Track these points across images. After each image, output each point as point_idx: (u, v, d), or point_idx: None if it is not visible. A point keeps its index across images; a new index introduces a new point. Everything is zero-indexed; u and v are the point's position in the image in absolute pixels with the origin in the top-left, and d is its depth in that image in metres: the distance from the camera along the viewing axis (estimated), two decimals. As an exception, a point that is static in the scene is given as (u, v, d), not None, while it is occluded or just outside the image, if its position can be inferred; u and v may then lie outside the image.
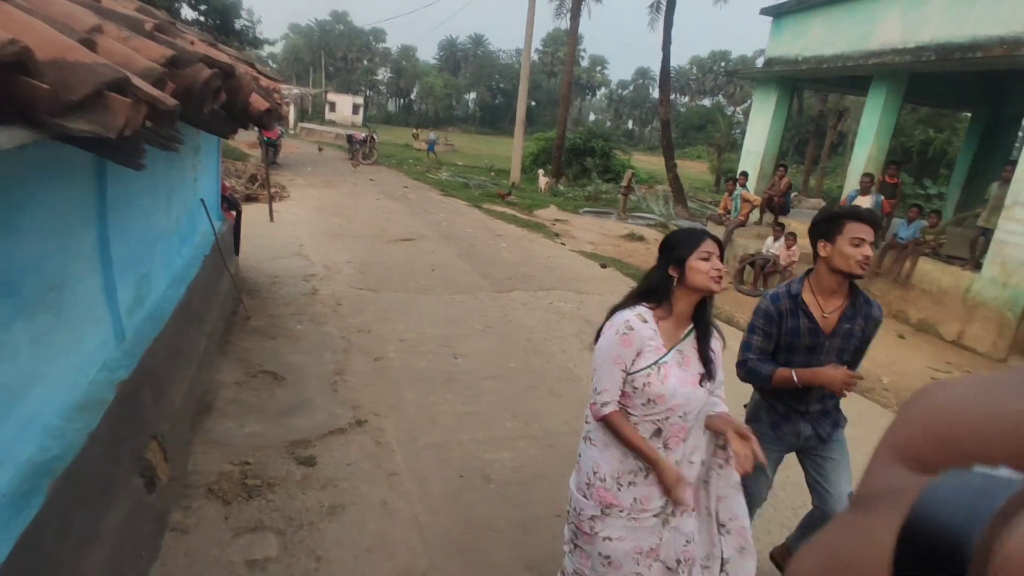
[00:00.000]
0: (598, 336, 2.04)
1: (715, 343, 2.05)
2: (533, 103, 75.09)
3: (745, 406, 2.64)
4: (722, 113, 44.88)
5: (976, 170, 12.03)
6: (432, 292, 6.87)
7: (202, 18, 17.20)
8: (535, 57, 73.60)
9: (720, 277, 1.95)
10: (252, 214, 9.47)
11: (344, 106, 50.67)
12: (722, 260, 2.00)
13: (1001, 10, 7.26)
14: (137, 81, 0.99)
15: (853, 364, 2.36)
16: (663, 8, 16.12)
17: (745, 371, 2.37)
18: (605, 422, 1.97)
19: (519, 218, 12.72)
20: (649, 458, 1.94)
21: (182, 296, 3.88)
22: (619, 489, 1.99)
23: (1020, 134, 12.80)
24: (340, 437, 3.72)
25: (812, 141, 28.18)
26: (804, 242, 9.11)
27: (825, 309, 2.28)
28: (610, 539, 2.00)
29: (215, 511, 2.88)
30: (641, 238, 11.52)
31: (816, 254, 2.29)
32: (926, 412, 0.23)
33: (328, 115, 48.18)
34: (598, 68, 78.36)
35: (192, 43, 1.66)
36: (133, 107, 0.93)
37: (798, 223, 10.03)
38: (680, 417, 1.95)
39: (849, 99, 24.62)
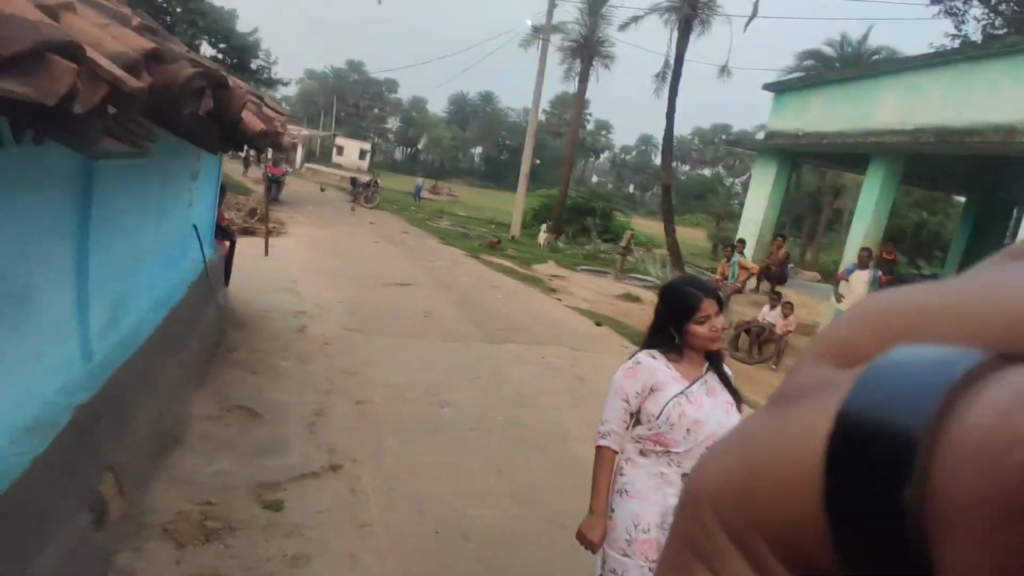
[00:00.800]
0: None
1: (730, 376, 2.07)
2: (538, 161, 76.34)
3: None
4: (721, 183, 45.86)
5: (971, 253, 12.15)
6: (423, 338, 6.71)
7: (220, 56, 17.64)
8: (542, 117, 75.64)
9: (718, 336, 1.97)
10: (248, 247, 9.40)
11: (351, 151, 51.61)
12: (721, 309, 1.98)
13: (999, 98, 7.46)
14: (98, 58, 0.89)
15: None
16: (668, 78, 16.64)
17: None
18: (596, 451, 2.04)
19: (516, 271, 12.69)
20: (596, 503, 2.00)
21: (161, 322, 3.74)
22: (664, 532, 1.93)
23: (1012, 221, 13.03)
24: (313, 482, 3.51)
25: (809, 217, 28.68)
26: (801, 312, 9.07)
27: None
28: None
29: (167, 554, 2.65)
30: (637, 299, 11.46)
31: None
32: (869, 309, 0.19)
33: (335, 158, 49.01)
34: (603, 132, 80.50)
35: (187, 51, 1.59)
36: (89, 83, 0.84)
37: (794, 293, 10.03)
38: None
39: (846, 177, 25.18)
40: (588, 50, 21.61)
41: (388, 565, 2.88)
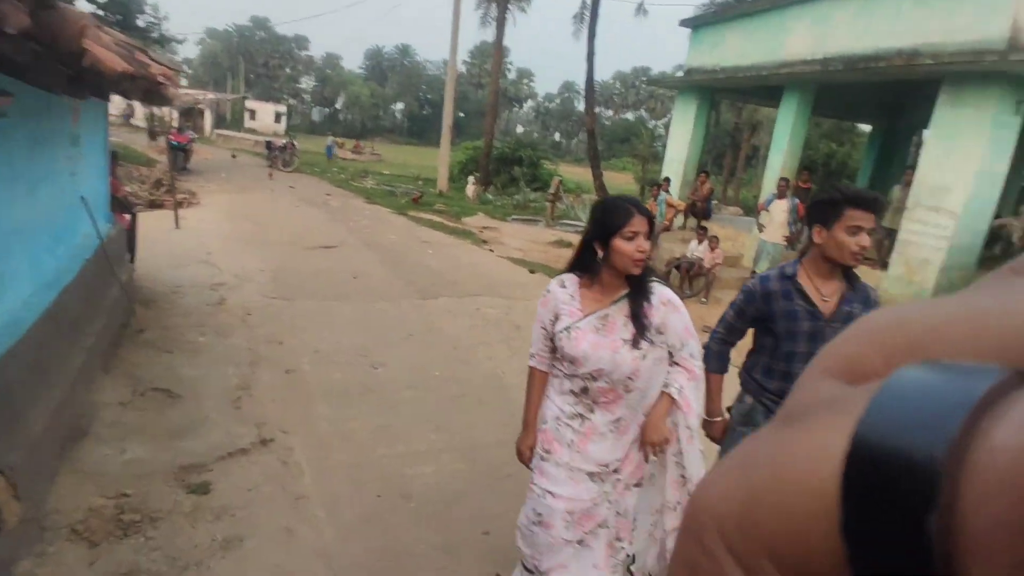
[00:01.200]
0: None
1: (656, 307, 1.94)
2: (461, 114, 74.83)
3: (729, 409, 2.42)
4: (644, 126, 46.33)
5: (877, 177, 12.79)
6: (352, 300, 6.47)
7: (102, 12, 15.99)
8: (463, 69, 73.54)
9: (642, 260, 1.86)
10: (156, 221, 8.75)
11: (265, 114, 48.80)
12: (651, 235, 1.89)
13: (899, 24, 7.69)
14: None
15: None
16: (587, 19, 16.36)
17: (705, 345, 2.24)
18: (528, 371, 2.14)
19: (446, 225, 12.44)
20: (526, 416, 2.13)
21: (51, 304, 3.37)
22: (558, 428, 2.02)
23: (911, 147, 13.74)
24: (241, 459, 3.31)
25: (728, 153, 29.48)
26: (727, 245, 9.33)
27: (824, 293, 2.13)
28: (548, 493, 2.01)
29: (77, 556, 2.43)
30: (569, 244, 11.48)
31: (811, 238, 2.15)
32: (875, 324, 0.19)
33: (248, 123, 46.20)
34: (525, 81, 79.28)
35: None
36: None
37: (719, 227, 10.30)
38: (607, 382, 1.92)
39: (762, 113, 25.88)
40: (503, -7, 20.92)
41: (327, 535, 2.77)
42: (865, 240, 2.01)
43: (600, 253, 1.90)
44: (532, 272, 8.68)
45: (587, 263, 1.96)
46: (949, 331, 0.16)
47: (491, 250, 10.28)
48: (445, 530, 2.93)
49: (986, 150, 6.77)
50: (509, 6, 21.32)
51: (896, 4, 7.77)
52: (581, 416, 2.00)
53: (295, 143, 21.96)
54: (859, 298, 2.14)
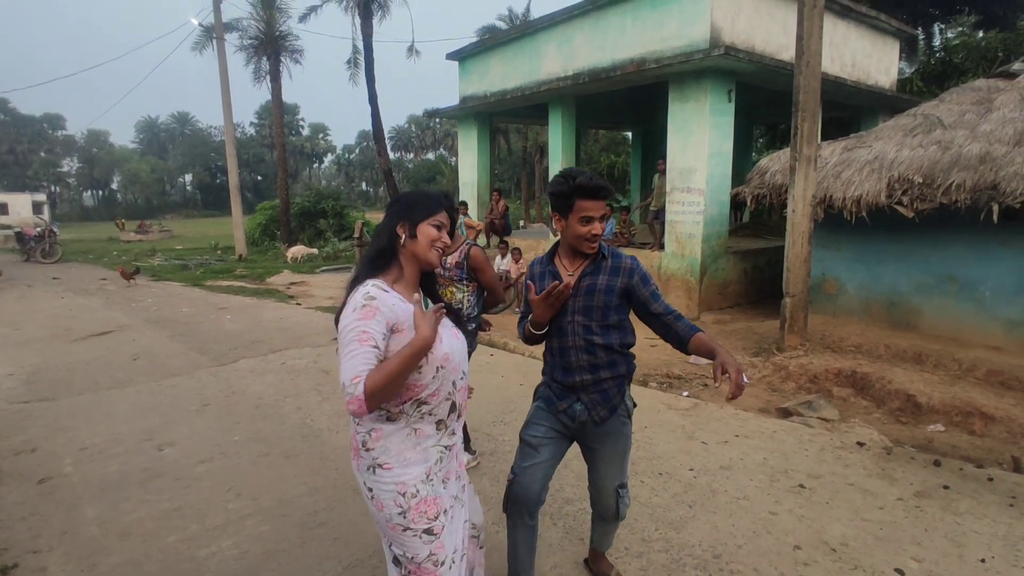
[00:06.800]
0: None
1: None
2: (259, 177, 71.21)
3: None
4: (445, 163, 47.74)
5: (646, 176, 14.36)
6: (133, 384, 5.69)
7: None
8: (252, 131, 70.18)
9: (443, 252, 1.79)
10: None
11: (20, 206, 42.07)
12: (452, 236, 1.84)
13: (627, 38, 8.76)
14: None
15: (617, 318, 2.26)
16: (361, 64, 16.50)
17: (518, 324, 2.42)
18: (371, 396, 1.50)
19: (247, 288, 11.61)
20: (411, 357, 1.55)
21: None
22: (433, 483, 1.73)
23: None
24: (-31, 601, 2.68)
25: (523, 176, 31.36)
26: (531, 255, 9.81)
27: (570, 269, 2.25)
28: (454, 551, 1.77)
29: None
30: (383, 283, 11.31)
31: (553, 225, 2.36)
32: None
33: (-1, 219, 39.45)
34: (320, 135, 77.74)
35: None
36: None
37: (521, 240, 10.81)
38: (461, 378, 1.79)
39: (545, 137, 27.99)
40: (272, 46, 20.35)
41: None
42: (597, 228, 2.13)
43: (402, 238, 1.74)
44: (343, 316, 8.37)
45: (383, 261, 1.75)
46: None
47: (298, 304, 9.75)
48: (248, 602, 2.61)
49: (712, 134, 7.89)
50: (282, 58, 20.79)
51: (621, 22, 8.85)
52: (447, 447, 1.79)
53: (55, 229, 19.23)
54: (603, 270, 2.22)
